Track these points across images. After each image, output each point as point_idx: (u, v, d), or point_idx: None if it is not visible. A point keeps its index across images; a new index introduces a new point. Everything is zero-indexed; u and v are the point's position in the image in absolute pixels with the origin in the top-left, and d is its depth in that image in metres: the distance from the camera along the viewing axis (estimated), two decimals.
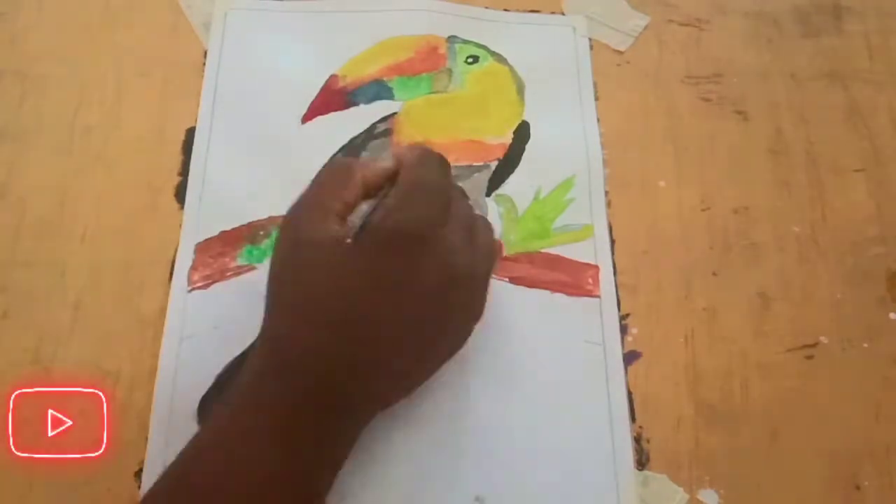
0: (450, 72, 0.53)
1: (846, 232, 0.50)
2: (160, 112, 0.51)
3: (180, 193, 0.48)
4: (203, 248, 0.47)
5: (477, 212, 0.48)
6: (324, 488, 0.37)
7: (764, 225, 0.50)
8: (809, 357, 0.46)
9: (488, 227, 0.43)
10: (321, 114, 0.52)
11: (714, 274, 0.48)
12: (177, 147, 0.50)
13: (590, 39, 0.56)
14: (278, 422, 0.35)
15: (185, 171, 0.49)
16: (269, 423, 0.35)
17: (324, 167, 0.42)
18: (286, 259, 0.38)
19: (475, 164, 0.50)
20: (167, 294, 0.45)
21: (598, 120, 0.53)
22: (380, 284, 0.36)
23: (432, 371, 0.41)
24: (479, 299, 0.41)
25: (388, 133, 0.51)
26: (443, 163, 0.41)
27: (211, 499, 0.34)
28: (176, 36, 0.53)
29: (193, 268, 0.46)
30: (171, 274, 0.46)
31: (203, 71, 0.52)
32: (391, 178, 0.39)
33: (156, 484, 0.36)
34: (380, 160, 0.41)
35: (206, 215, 0.48)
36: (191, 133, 0.50)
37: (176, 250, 0.46)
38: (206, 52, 0.53)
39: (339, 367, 0.36)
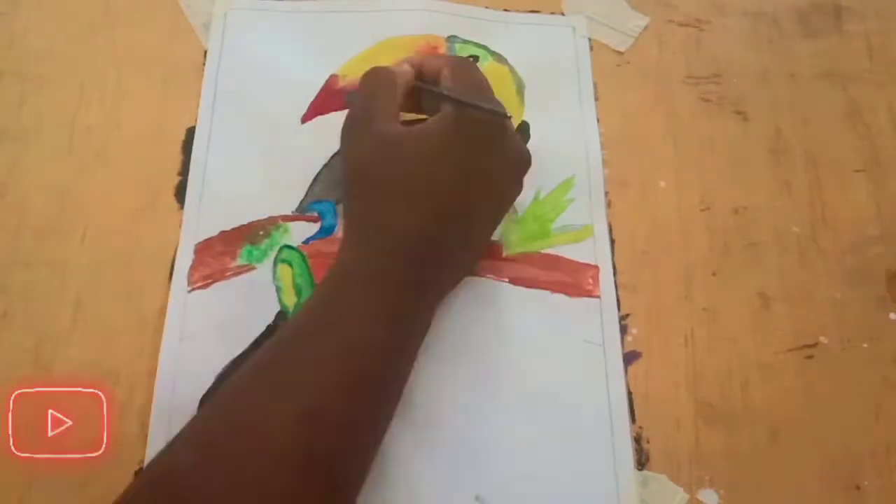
0: None
1: (846, 232, 0.50)
2: (160, 112, 0.51)
3: (180, 193, 0.48)
4: (203, 248, 0.47)
5: None
6: (411, 352, 0.41)
7: (764, 225, 0.50)
8: (809, 357, 0.46)
9: None
10: (321, 113, 0.51)
11: (714, 274, 0.48)
12: (177, 147, 0.50)
13: (590, 40, 0.56)
14: (373, 286, 0.39)
15: (184, 171, 0.49)
16: (367, 289, 0.39)
17: (361, 80, 0.45)
18: (364, 150, 0.42)
19: None
20: (167, 294, 0.45)
21: (598, 120, 0.53)
22: (466, 166, 0.41)
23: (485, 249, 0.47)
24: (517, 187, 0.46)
25: None
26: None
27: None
28: (176, 36, 0.53)
29: (193, 268, 0.46)
30: (171, 274, 0.46)
31: (203, 71, 0.52)
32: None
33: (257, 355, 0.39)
34: (400, 64, 0.46)
35: (206, 215, 0.48)
36: (191, 133, 0.50)
37: (176, 250, 0.46)
38: (206, 52, 0.53)
39: (425, 238, 0.40)
